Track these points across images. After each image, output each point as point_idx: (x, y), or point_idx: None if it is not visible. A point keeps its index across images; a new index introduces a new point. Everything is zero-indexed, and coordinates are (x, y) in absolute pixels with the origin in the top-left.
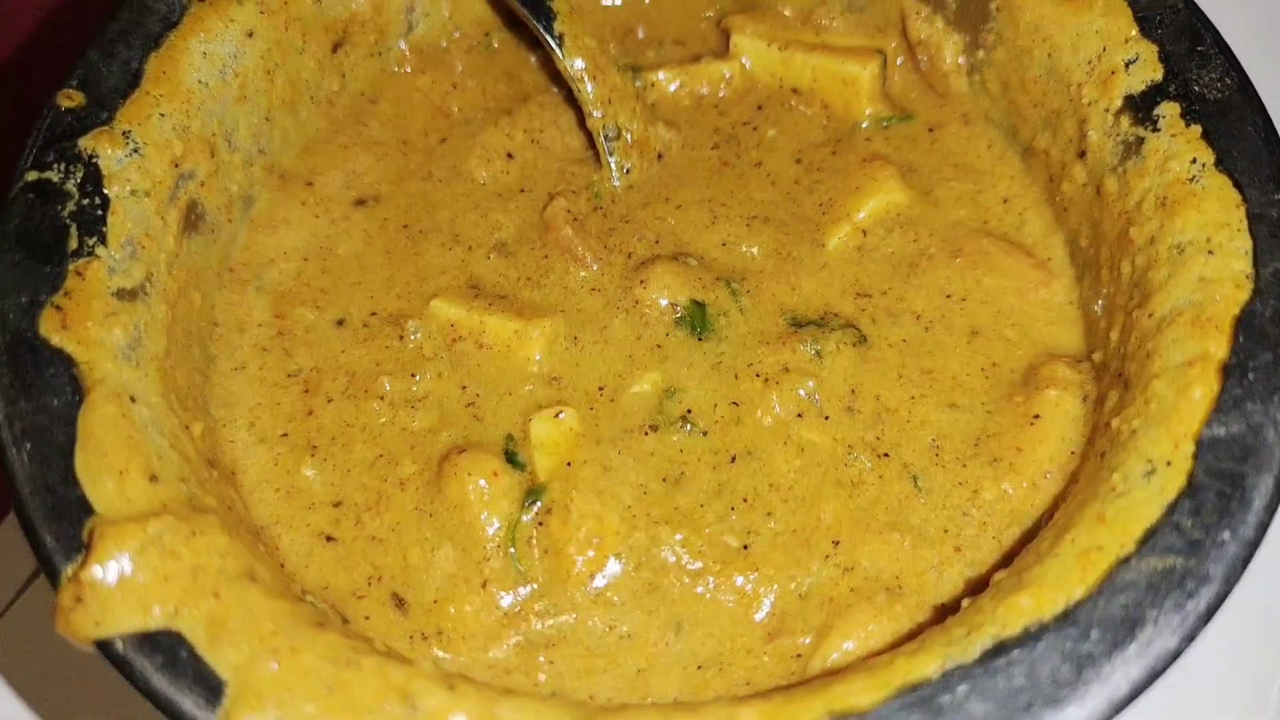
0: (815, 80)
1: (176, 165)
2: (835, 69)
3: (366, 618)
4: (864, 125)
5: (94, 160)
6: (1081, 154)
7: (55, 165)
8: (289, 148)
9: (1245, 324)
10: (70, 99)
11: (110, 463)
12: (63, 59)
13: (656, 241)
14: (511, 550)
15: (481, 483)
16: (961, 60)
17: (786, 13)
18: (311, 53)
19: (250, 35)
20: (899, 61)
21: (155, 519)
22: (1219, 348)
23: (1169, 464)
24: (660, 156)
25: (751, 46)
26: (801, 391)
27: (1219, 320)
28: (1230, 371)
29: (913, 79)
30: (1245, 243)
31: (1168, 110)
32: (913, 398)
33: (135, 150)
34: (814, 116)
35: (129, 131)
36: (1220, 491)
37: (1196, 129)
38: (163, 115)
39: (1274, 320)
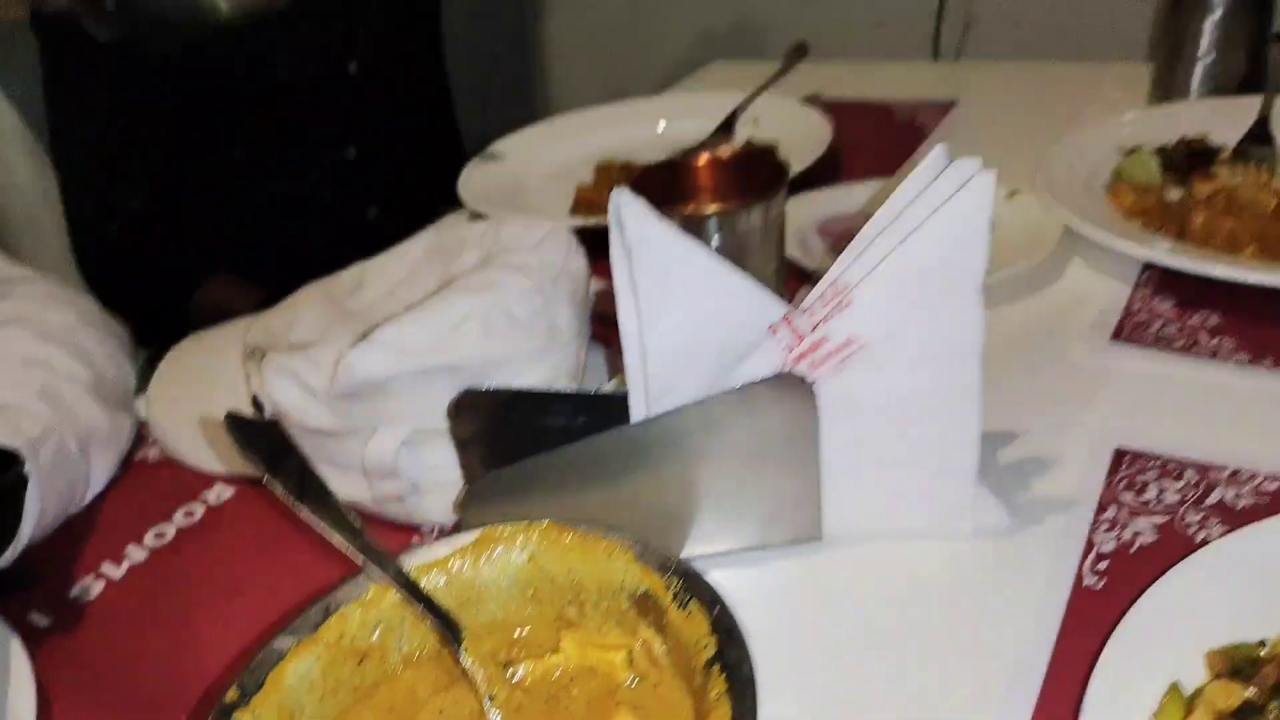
0: (595, 663)
1: None
2: (606, 656)
3: None
4: (625, 684)
5: None
6: None
7: None
8: (329, 714)
9: None
10: (233, 694)
11: None
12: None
13: None
14: None
15: None
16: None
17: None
18: (346, 664)
19: (316, 659)
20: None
21: None
22: None
23: None
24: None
25: (571, 646)
26: None
27: None
28: None
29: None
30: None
31: None
32: None
33: None
34: (597, 682)
35: (257, 711)
36: None
37: None
38: (273, 703)
39: None
